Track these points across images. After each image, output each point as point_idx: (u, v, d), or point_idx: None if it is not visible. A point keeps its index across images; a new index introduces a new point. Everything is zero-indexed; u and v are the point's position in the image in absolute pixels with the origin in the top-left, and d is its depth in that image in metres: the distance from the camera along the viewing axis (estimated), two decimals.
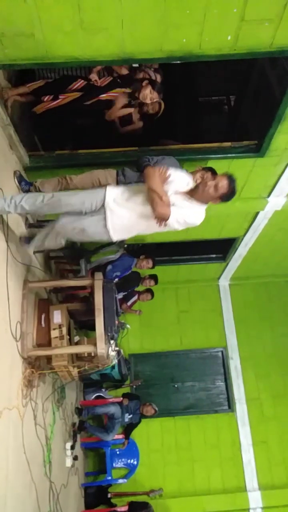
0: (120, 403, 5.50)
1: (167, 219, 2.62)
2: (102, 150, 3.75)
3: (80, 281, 3.82)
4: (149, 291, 5.69)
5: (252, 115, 4.24)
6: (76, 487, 5.08)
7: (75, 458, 4.82)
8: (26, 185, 3.48)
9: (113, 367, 5.86)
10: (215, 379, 6.62)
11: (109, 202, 2.73)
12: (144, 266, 5.17)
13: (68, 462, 4.67)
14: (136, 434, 5.77)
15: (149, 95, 3.52)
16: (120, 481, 5.58)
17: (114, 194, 2.76)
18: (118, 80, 3.64)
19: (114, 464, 5.64)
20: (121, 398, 5.57)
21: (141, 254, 5.14)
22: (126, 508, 5.06)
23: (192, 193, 2.72)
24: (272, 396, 6.39)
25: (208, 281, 6.96)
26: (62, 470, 4.48)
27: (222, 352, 6.73)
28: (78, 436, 5.15)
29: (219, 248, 6.20)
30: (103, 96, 3.59)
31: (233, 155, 3.88)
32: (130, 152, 3.72)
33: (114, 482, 5.56)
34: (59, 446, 4.43)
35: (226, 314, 6.89)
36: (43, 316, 3.54)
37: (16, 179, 3.42)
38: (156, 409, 5.58)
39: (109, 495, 5.47)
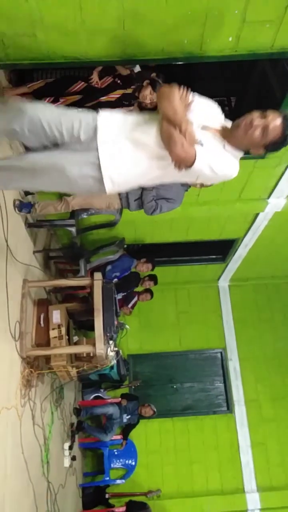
0: (118, 404, 5.49)
1: (190, 164, 1.77)
2: None
3: (79, 281, 3.82)
4: (149, 291, 5.69)
5: None
6: (74, 487, 5.08)
7: (73, 458, 4.82)
8: (27, 209, 3.49)
9: (111, 367, 5.86)
10: (214, 380, 6.62)
11: (103, 133, 1.84)
12: (143, 270, 5.18)
13: (66, 462, 4.67)
14: (134, 435, 5.76)
15: (149, 95, 3.45)
16: (118, 481, 5.57)
17: (113, 121, 1.88)
18: (118, 81, 3.60)
19: (112, 465, 5.63)
20: (120, 399, 5.57)
21: (141, 256, 5.14)
22: (124, 508, 5.05)
23: (226, 134, 1.89)
24: (271, 398, 6.38)
25: (207, 282, 6.96)
26: (60, 470, 4.47)
27: (221, 353, 6.73)
28: (76, 436, 5.15)
29: (219, 249, 6.20)
30: (104, 99, 3.53)
31: None
32: None
33: (112, 482, 5.56)
34: (57, 446, 4.42)
35: (226, 315, 6.89)
36: (42, 316, 3.54)
37: (16, 209, 3.42)
38: (155, 410, 5.58)
39: (107, 496, 5.46)
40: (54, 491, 4.02)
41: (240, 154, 1.93)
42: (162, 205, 3.42)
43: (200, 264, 6.43)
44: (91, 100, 3.48)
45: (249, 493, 5.76)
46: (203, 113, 1.93)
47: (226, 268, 6.50)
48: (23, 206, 3.43)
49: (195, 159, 1.76)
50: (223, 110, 2.04)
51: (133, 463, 5.72)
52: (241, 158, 3.73)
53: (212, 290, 7.02)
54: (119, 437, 5.65)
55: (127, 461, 5.70)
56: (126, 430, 5.62)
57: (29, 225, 3.73)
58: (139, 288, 5.68)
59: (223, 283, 7.03)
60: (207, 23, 2.43)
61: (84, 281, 3.75)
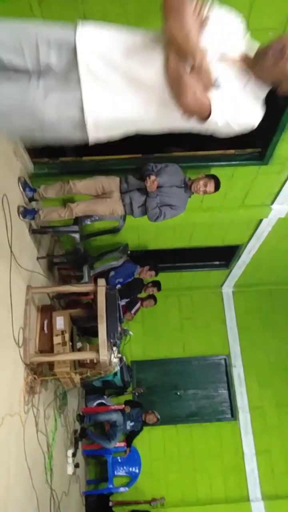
0: (122, 411, 5.47)
1: (204, 117, 1.41)
2: (105, 157, 3.76)
3: (83, 287, 3.82)
4: (152, 297, 5.68)
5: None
6: (77, 495, 5.04)
7: (76, 465, 4.79)
8: (30, 192, 3.50)
9: (115, 374, 5.85)
10: (218, 387, 6.58)
11: (86, 59, 1.32)
12: (147, 277, 5.19)
13: (70, 469, 4.65)
14: (138, 442, 5.72)
15: None
16: (122, 489, 5.53)
17: (100, 41, 1.34)
18: None
19: (115, 472, 5.59)
20: (123, 406, 5.54)
21: (144, 262, 5.15)
22: None
23: (249, 65, 1.47)
24: (276, 405, 6.33)
25: (211, 288, 6.94)
26: (63, 478, 4.45)
27: (225, 360, 6.70)
28: (80, 443, 5.13)
29: (222, 255, 6.19)
30: None
31: (237, 162, 3.89)
32: (133, 159, 3.73)
33: (115, 490, 5.51)
34: (60, 453, 4.40)
35: (229, 322, 6.86)
36: (45, 322, 3.54)
37: (20, 186, 3.44)
38: (158, 417, 5.54)
39: (110, 504, 5.41)
40: (57, 498, 4.00)
41: (265, 92, 1.53)
42: (165, 212, 3.42)
43: (204, 270, 6.42)
44: None
45: (254, 502, 5.69)
46: (221, 35, 1.40)
47: (230, 274, 6.49)
48: (27, 212, 3.45)
49: (210, 111, 1.36)
50: None
51: (137, 471, 5.68)
52: (244, 166, 3.74)
53: (216, 296, 7.00)
54: (122, 444, 5.61)
55: (130, 469, 5.66)
56: (129, 437, 5.59)
57: (33, 232, 3.75)
58: (142, 294, 5.68)
59: (227, 289, 7.02)
60: None
61: (88, 288, 3.75)
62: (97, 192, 3.31)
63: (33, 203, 3.61)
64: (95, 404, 5.63)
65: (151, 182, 3.12)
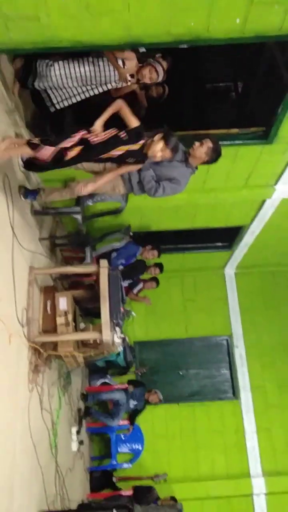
0: (125, 390, 5.55)
1: None
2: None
3: (85, 268, 3.83)
4: (155, 279, 5.70)
5: (260, 102, 4.17)
6: (81, 471, 5.17)
7: (80, 442, 4.90)
8: (32, 196, 3.47)
9: (118, 354, 5.91)
10: (220, 367, 6.65)
11: None
12: (149, 257, 5.17)
13: (74, 446, 4.74)
14: (141, 420, 5.82)
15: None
16: (125, 465, 5.66)
17: None
18: (123, 135, 2.92)
19: (119, 449, 5.71)
20: (126, 385, 5.62)
21: (147, 243, 5.14)
22: (130, 492, 5.14)
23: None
24: (277, 385, 6.40)
25: (214, 269, 6.94)
26: (68, 454, 4.55)
27: (227, 340, 6.75)
28: (84, 421, 5.22)
29: (225, 237, 6.17)
30: (104, 156, 2.97)
31: (241, 142, 3.84)
32: None
33: (119, 466, 5.64)
34: (65, 431, 4.49)
35: (232, 303, 6.88)
36: (48, 303, 3.56)
37: (22, 196, 3.39)
38: (161, 398, 5.62)
39: (114, 479, 5.55)
40: (62, 474, 4.10)
41: None
42: (165, 185, 3.32)
43: (206, 251, 6.41)
44: (88, 156, 2.97)
45: (255, 477, 5.81)
46: None
47: (233, 256, 6.48)
48: (29, 193, 3.43)
49: None
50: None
51: (140, 448, 5.79)
52: (248, 145, 3.69)
53: (219, 277, 7.01)
54: (125, 422, 5.71)
55: (133, 446, 5.78)
56: (132, 415, 5.68)
57: (34, 212, 3.74)
58: (145, 276, 5.69)
59: (230, 270, 7.01)
60: (214, 5, 2.38)
61: (90, 269, 3.76)
62: (99, 168, 3.26)
63: (35, 184, 3.58)
64: (98, 383, 5.71)
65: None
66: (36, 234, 3.93)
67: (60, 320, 3.45)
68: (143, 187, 3.36)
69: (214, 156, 3.27)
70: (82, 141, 2.84)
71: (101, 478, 5.60)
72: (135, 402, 5.50)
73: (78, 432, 4.86)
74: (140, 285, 5.69)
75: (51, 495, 3.68)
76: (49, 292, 3.65)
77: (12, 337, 2.97)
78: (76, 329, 3.76)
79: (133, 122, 2.90)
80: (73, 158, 2.87)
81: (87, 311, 4.60)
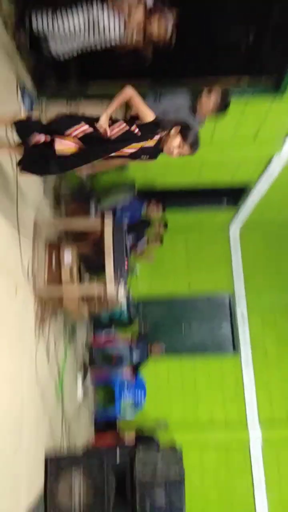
0: (128, 343, 5.70)
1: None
2: (112, 81, 3.55)
3: (90, 222, 3.81)
4: (159, 237, 5.69)
5: (272, 52, 3.98)
6: (86, 419, 5.41)
7: (85, 392, 5.09)
8: (29, 102, 3.31)
9: (121, 311, 6.04)
10: (221, 324, 6.79)
11: None
12: (153, 211, 5.13)
13: (79, 395, 4.93)
14: (143, 372, 6.02)
15: (177, 149, 2.57)
16: (128, 415, 5.90)
17: None
18: (136, 130, 2.47)
19: (122, 399, 5.93)
20: (130, 338, 5.77)
21: (151, 199, 5.09)
22: (133, 438, 5.39)
23: None
24: (277, 342, 6.54)
25: (218, 228, 6.92)
26: (74, 403, 4.74)
27: (229, 298, 6.84)
28: (89, 372, 5.40)
29: (231, 195, 6.10)
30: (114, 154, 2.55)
31: (250, 93, 3.70)
32: (142, 83, 3.50)
33: (122, 416, 5.89)
34: (70, 381, 4.65)
35: (235, 262, 6.91)
36: (53, 257, 3.58)
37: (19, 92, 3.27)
38: (163, 349, 5.78)
39: (117, 427, 5.82)
40: (68, 420, 4.29)
41: None
42: None
43: (212, 208, 6.35)
44: (93, 155, 2.53)
45: (251, 426, 6.08)
46: None
47: (238, 214, 6.43)
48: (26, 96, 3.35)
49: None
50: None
51: (142, 399, 6.01)
52: (259, 96, 3.53)
53: (223, 236, 7.00)
54: (129, 373, 5.89)
55: (136, 396, 5.99)
56: (136, 366, 5.85)
57: None
58: (149, 234, 5.68)
59: (234, 229, 6.99)
60: None
61: (95, 223, 3.74)
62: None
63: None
64: (103, 336, 5.86)
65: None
66: (41, 189, 3.89)
67: (65, 273, 3.48)
68: None
69: (223, 106, 3.15)
70: (84, 137, 2.40)
71: (105, 424, 5.87)
72: (138, 355, 5.66)
73: (83, 382, 5.04)
74: (144, 243, 5.69)
75: (57, 440, 3.87)
76: (54, 246, 3.66)
77: (18, 288, 3.01)
78: (81, 283, 3.80)
79: (148, 114, 2.48)
80: (73, 159, 2.43)
81: (91, 268, 4.64)
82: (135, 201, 4.97)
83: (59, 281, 3.56)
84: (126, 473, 3.43)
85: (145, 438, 5.42)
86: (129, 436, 5.46)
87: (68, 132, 2.36)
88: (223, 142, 4.41)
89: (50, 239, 3.81)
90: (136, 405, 5.94)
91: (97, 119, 2.41)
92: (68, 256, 3.47)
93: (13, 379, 2.87)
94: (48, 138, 2.37)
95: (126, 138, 2.47)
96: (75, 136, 2.37)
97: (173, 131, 2.52)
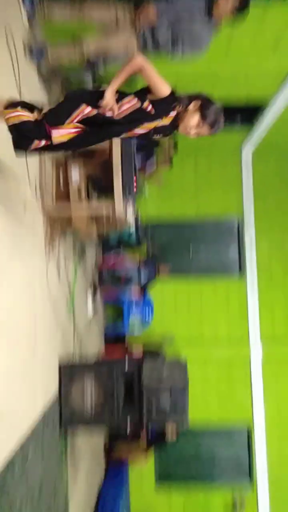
0: (136, 264, 5.83)
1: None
2: None
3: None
4: (168, 159, 5.55)
5: None
6: (96, 333, 5.72)
7: (95, 309, 5.33)
8: (39, 55, 3.12)
9: (130, 233, 6.08)
10: (229, 247, 6.86)
11: None
12: None
13: (89, 311, 5.17)
14: (151, 292, 6.24)
15: (194, 128, 2.16)
16: (136, 331, 6.22)
17: None
18: (149, 107, 2.06)
19: (130, 317, 6.22)
20: (138, 260, 5.89)
21: None
22: (141, 351, 5.74)
23: None
24: (283, 266, 6.64)
25: (230, 150, 6.69)
26: (84, 319, 4.98)
27: (238, 222, 6.83)
28: (98, 291, 5.60)
29: (246, 113, 5.80)
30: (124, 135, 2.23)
31: None
32: None
33: (130, 332, 6.21)
34: (80, 299, 4.85)
35: (246, 185, 6.78)
36: (61, 175, 3.54)
37: (27, 55, 3.06)
38: (171, 270, 5.93)
39: (126, 344, 6.17)
40: (79, 333, 4.55)
41: None
42: (184, 42, 2.97)
43: (224, 128, 6.06)
44: (97, 138, 2.23)
45: (253, 343, 6.40)
46: None
47: (251, 135, 6.17)
48: (35, 52, 3.16)
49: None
50: None
51: (150, 316, 6.30)
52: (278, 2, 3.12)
53: (234, 159, 6.80)
54: (137, 293, 6.10)
55: (144, 314, 6.27)
56: (143, 286, 6.05)
57: (42, 77, 3.48)
58: (158, 155, 5.53)
59: (247, 152, 6.75)
60: None
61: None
62: (111, 19, 2.93)
63: (40, 41, 3.23)
64: (112, 254, 5.98)
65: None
66: (45, 103, 3.72)
67: (73, 191, 3.46)
68: (158, 45, 3.04)
69: (242, 5, 2.87)
70: (86, 119, 2.05)
71: (114, 338, 6.24)
72: (146, 275, 5.81)
73: (93, 300, 5.25)
74: (153, 164, 5.56)
75: (69, 351, 4.13)
76: (61, 164, 3.59)
77: (27, 205, 3.02)
78: (89, 201, 3.79)
79: (163, 88, 2.06)
80: (71, 143, 2.12)
81: (99, 187, 4.59)
82: None
83: (67, 199, 3.55)
84: (134, 379, 3.70)
85: (152, 352, 5.76)
86: (137, 349, 5.81)
87: (68, 121, 2.03)
88: (240, 52, 4.11)
89: (56, 157, 3.73)
90: (144, 322, 6.23)
91: (102, 94, 2.01)
92: (76, 174, 3.42)
93: (26, 293, 2.99)
94: (49, 141, 2.06)
95: (137, 118, 2.09)
96: (76, 121, 2.05)
97: (191, 106, 2.11)
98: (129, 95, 2.07)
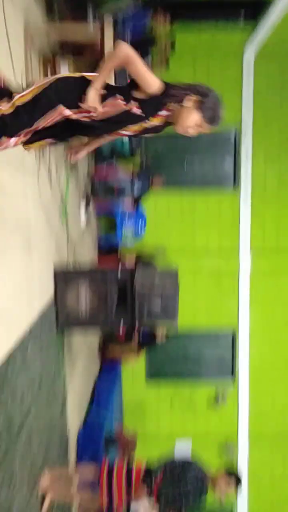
0: (129, 175, 5.72)
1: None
2: None
3: (87, 32, 3.39)
4: (164, 59, 5.16)
5: None
6: (90, 244, 5.80)
7: (88, 220, 5.34)
8: None
9: (123, 142, 5.87)
10: (224, 159, 6.71)
11: None
12: (160, 23, 4.53)
13: (82, 222, 5.18)
14: (144, 205, 6.22)
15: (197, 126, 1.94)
16: (129, 242, 6.31)
17: None
18: (136, 107, 1.79)
19: (123, 228, 6.26)
20: (131, 171, 5.77)
21: (158, 7, 4.43)
22: (133, 261, 5.89)
23: None
24: (278, 179, 6.57)
25: (231, 51, 6.21)
26: (78, 229, 5.01)
27: (235, 134, 6.58)
28: (91, 202, 5.56)
29: (250, 8, 5.29)
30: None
31: None
32: None
33: (123, 243, 6.30)
34: (73, 209, 4.82)
35: (246, 92, 6.41)
36: (49, 72, 3.30)
37: None
38: (165, 182, 5.84)
39: (118, 252, 6.30)
40: (73, 242, 4.60)
41: None
42: None
43: (226, 25, 5.59)
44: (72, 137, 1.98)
45: (243, 254, 6.57)
46: None
47: (255, 34, 5.69)
48: None
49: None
50: None
51: (142, 228, 6.35)
52: None
53: (236, 62, 6.33)
54: (130, 204, 6.08)
55: (137, 225, 6.31)
56: (137, 198, 6.01)
57: None
58: (154, 54, 5.13)
59: (249, 54, 6.27)
60: None
61: (93, 33, 3.33)
62: None
63: None
64: (104, 165, 5.85)
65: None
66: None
67: None
68: None
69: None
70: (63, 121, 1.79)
71: (107, 252, 6.35)
72: (139, 187, 5.75)
73: (86, 211, 5.24)
74: (148, 63, 5.19)
75: (64, 259, 4.22)
76: (49, 60, 3.33)
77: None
78: None
79: (153, 84, 1.75)
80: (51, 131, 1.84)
81: None
82: (139, 11, 4.33)
83: None
84: (127, 286, 3.84)
85: (144, 263, 5.91)
86: (129, 259, 5.95)
87: (41, 124, 1.74)
88: None
89: (44, 52, 3.44)
90: (136, 233, 6.30)
91: (83, 88, 1.70)
92: (65, 70, 3.18)
93: (18, 197, 2.95)
94: (19, 141, 1.80)
95: (121, 120, 1.82)
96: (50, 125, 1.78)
97: (187, 103, 1.80)
98: (114, 95, 1.76)
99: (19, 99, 1.71)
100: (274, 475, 6.83)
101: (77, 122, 1.80)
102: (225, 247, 6.61)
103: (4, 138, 1.74)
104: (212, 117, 1.84)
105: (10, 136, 1.75)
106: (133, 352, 6.16)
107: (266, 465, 6.81)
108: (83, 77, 1.77)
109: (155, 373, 6.89)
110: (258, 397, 6.76)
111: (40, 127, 1.77)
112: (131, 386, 6.78)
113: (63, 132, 1.89)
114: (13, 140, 1.77)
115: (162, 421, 6.87)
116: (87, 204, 5.30)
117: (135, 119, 1.82)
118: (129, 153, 6.07)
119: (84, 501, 3.63)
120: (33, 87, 1.73)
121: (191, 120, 1.83)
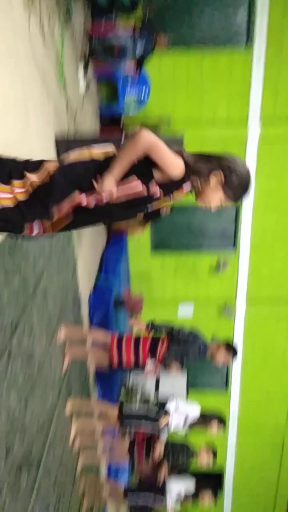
0: (131, 32, 5.14)
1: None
2: None
3: None
4: None
5: None
6: (91, 113, 5.50)
7: (88, 85, 4.97)
8: None
9: None
10: (237, 11, 5.89)
11: None
12: None
13: (81, 86, 4.83)
14: (147, 68, 5.71)
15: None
16: (131, 111, 5.97)
17: None
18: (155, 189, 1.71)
19: (125, 95, 5.87)
20: (133, 27, 5.16)
21: None
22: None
23: None
24: None
25: None
26: (77, 94, 4.69)
27: None
28: (90, 64, 5.11)
29: None
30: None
31: None
32: None
33: (125, 112, 5.96)
34: (71, 71, 4.45)
35: None
36: None
37: None
38: (170, 40, 5.27)
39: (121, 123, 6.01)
40: (72, 109, 4.37)
41: None
42: None
43: None
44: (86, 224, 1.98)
45: (252, 123, 6.21)
46: None
47: None
48: None
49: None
50: None
51: (146, 94, 5.94)
52: None
53: None
54: (132, 67, 5.57)
55: (140, 92, 5.90)
56: (139, 60, 5.49)
57: None
58: None
59: None
60: None
61: None
62: None
63: None
64: (103, 20, 5.23)
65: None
66: None
67: None
68: None
69: None
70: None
71: (110, 123, 6.05)
72: (142, 46, 5.21)
73: (85, 74, 4.85)
74: None
75: (64, 127, 4.05)
76: None
77: None
78: None
79: (176, 168, 1.64)
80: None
81: None
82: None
83: None
84: None
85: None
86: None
87: (53, 212, 1.69)
88: None
89: None
90: (140, 101, 5.93)
91: (100, 171, 1.65)
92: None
93: (8, 56, 2.71)
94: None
95: (138, 203, 1.76)
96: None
97: (213, 181, 1.73)
98: (132, 176, 1.66)
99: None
100: (268, 331, 7.58)
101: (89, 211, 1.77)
102: (233, 116, 6.23)
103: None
104: (237, 197, 1.79)
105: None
106: (139, 224, 6.30)
107: (261, 324, 7.52)
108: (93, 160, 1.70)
109: (159, 244, 7.17)
110: (257, 264, 7.12)
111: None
112: (137, 257, 7.13)
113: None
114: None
115: (166, 286, 7.39)
116: (85, 67, 4.88)
117: (154, 200, 1.78)
118: (129, 4, 5.35)
119: (97, 358, 4.16)
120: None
121: (215, 199, 1.80)
